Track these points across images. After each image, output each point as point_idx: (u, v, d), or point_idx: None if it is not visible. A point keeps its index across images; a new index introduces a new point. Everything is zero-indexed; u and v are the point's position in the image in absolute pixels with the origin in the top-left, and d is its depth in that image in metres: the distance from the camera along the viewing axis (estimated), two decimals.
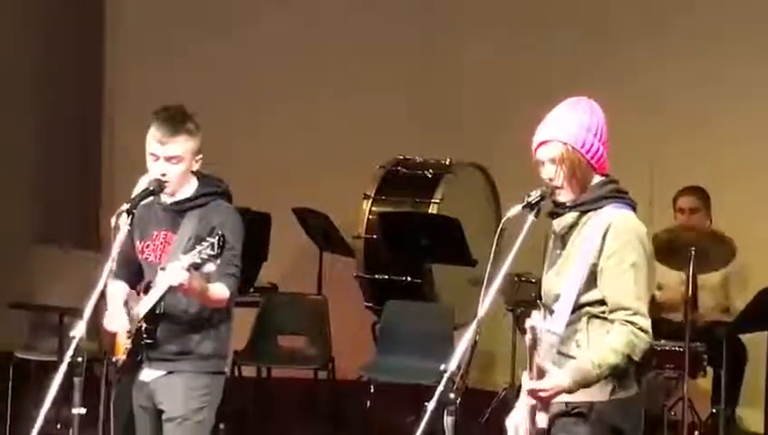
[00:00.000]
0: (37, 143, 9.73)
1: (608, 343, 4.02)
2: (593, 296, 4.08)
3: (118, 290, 4.92)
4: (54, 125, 9.81)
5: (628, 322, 4.02)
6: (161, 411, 4.92)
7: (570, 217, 4.19)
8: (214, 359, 4.93)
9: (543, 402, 4.03)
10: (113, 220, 5.18)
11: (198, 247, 4.58)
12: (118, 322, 4.90)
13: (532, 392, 4.00)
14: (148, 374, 4.93)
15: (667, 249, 7.25)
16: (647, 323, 4.03)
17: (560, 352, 4.06)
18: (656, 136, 9.00)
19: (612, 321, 4.05)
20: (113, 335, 5.00)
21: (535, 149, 4.22)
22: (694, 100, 9.03)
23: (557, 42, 9.57)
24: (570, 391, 4.02)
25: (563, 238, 4.22)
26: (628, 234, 4.09)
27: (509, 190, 8.47)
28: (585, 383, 4.01)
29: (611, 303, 4.04)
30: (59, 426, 6.95)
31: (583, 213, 4.17)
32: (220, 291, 4.77)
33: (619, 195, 4.20)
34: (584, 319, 4.10)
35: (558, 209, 4.22)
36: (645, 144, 8.68)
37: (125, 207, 4.75)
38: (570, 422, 4.12)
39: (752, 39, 8.88)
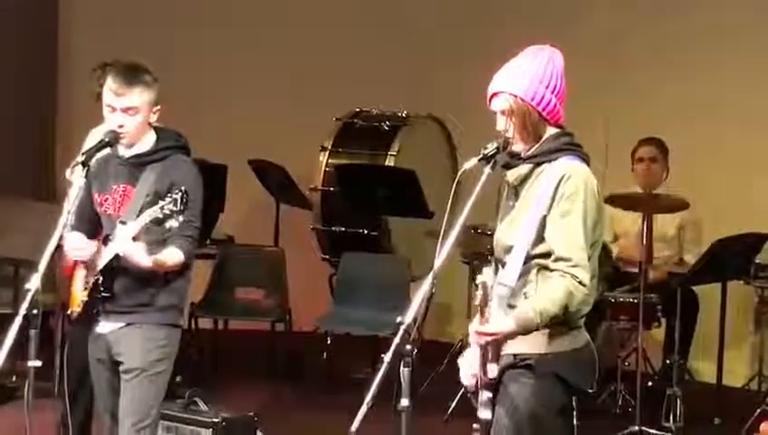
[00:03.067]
0: None
1: (546, 293, 4.04)
2: (545, 248, 4.09)
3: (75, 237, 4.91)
4: (8, 75, 9.71)
5: (567, 273, 4.03)
6: (118, 363, 4.91)
7: (523, 168, 4.20)
8: (172, 311, 4.93)
9: (488, 346, 4.06)
10: (68, 172, 5.16)
11: (161, 202, 4.57)
12: (83, 250, 4.86)
13: (478, 335, 4.02)
14: (105, 326, 4.92)
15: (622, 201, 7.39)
16: (586, 275, 4.04)
17: (510, 305, 4.08)
18: (611, 88, 9.04)
19: (553, 270, 4.06)
20: (69, 288, 4.99)
21: (489, 101, 4.23)
22: (648, 54, 9.06)
23: None
24: (511, 337, 4.05)
25: (516, 190, 4.23)
26: (578, 185, 4.10)
27: (466, 142, 8.50)
28: (526, 330, 4.03)
29: (555, 253, 4.06)
30: (14, 378, 6.96)
31: (537, 165, 4.18)
32: (173, 257, 4.75)
33: (572, 147, 4.20)
34: (534, 271, 4.11)
35: (512, 161, 4.23)
36: (601, 96, 8.70)
37: (80, 158, 4.73)
38: (518, 373, 4.14)
39: None
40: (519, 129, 4.16)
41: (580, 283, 4.03)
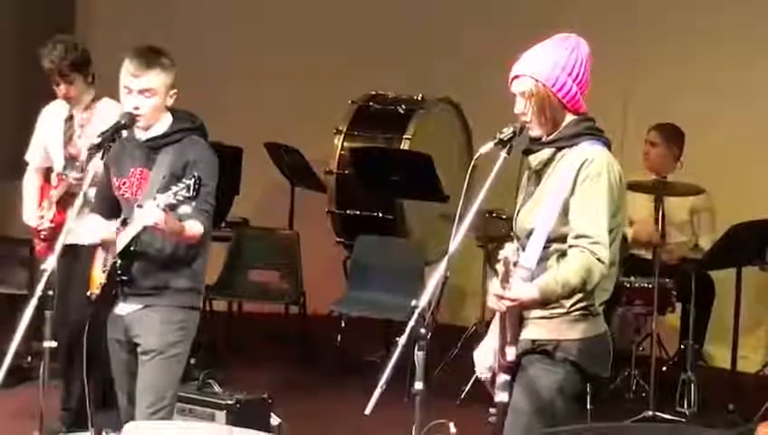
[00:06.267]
0: (5, 76, 9.64)
1: (567, 265, 4.05)
2: (564, 231, 4.10)
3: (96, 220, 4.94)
4: (25, 57, 9.71)
5: (586, 249, 4.04)
6: (136, 345, 4.93)
7: (546, 152, 4.20)
8: (189, 294, 4.94)
9: (506, 313, 4.07)
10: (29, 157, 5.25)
11: (174, 188, 4.57)
12: (101, 231, 4.88)
13: (498, 298, 4.03)
14: (123, 308, 4.94)
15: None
16: (605, 254, 4.05)
17: None
18: (631, 74, 9.00)
19: (572, 246, 4.06)
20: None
21: (510, 82, 4.23)
22: (672, 39, 9.02)
23: None
24: (533, 305, 4.06)
25: (538, 174, 4.24)
26: (601, 168, 4.10)
27: (481, 126, 8.49)
28: (548, 299, 4.04)
29: (575, 230, 4.06)
30: (30, 359, 6.98)
31: (559, 149, 4.19)
32: (194, 228, 4.78)
33: (594, 132, 4.20)
34: (554, 257, 4.12)
35: (533, 146, 4.23)
36: (620, 82, 8.67)
37: (96, 141, 4.75)
38: (536, 359, 4.16)
39: None
40: (537, 113, 4.17)
41: (598, 259, 4.03)
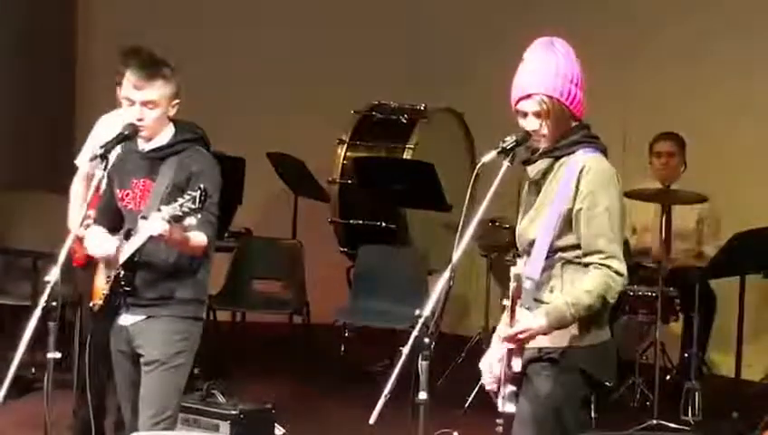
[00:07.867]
0: (7, 86, 9.65)
1: (582, 285, 4.04)
2: (567, 241, 4.09)
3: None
4: (25, 67, 9.73)
5: (602, 265, 4.03)
6: (140, 355, 4.93)
7: (543, 163, 4.19)
8: (193, 304, 4.94)
9: (520, 345, 4.06)
10: (78, 159, 5.17)
11: (180, 200, 4.57)
12: (105, 245, 4.88)
13: (509, 339, 4.02)
14: (126, 319, 4.94)
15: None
16: (621, 266, 4.05)
17: (535, 299, 4.07)
18: (631, 82, 9.00)
19: (587, 265, 4.06)
20: (91, 281, 5.00)
21: (517, 101, 4.18)
22: (671, 46, 9.03)
23: None
24: (545, 333, 4.04)
25: (537, 184, 4.23)
26: (601, 177, 4.09)
27: (483, 135, 8.50)
28: (560, 324, 4.03)
29: (585, 246, 4.05)
30: (34, 370, 6.97)
31: (557, 159, 4.18)
32: (199, 239, 4.78)
33: (589, 139, 4.19)
34: (559, 265, 4.11)
35: (532, 156, 4.22)
36: (618, 89, 8.67)
37: (99, 151, 4.75)
38: (542, 367, 4.15)
39: None
40: (553, 129, 4.14)
41: (616, 272, 4.03)
